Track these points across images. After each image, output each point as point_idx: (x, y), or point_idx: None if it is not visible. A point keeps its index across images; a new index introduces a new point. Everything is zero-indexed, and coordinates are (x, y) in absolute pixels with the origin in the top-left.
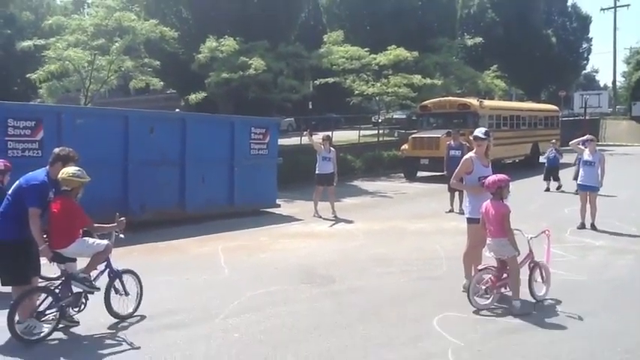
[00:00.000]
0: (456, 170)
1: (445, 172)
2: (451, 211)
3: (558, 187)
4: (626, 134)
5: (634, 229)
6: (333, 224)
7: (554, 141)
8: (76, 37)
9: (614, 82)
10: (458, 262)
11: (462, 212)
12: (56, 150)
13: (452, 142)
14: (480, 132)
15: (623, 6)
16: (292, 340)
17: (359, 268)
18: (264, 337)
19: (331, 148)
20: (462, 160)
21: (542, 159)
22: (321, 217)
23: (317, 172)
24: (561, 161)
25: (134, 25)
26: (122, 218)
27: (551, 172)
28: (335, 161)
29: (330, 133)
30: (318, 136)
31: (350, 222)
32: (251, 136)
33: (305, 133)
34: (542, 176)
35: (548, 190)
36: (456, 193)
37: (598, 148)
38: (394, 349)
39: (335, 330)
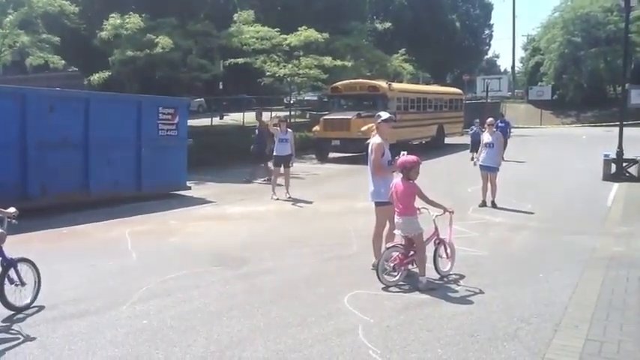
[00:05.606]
0: (374, 157)
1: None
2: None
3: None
4: (523, 116)
5: (529, 206)
6: (293, 204)
7: (477, 120)
8: None
9: (513, 67)
10: (368, 240)
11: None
12: None
13: None
14: (385, 115)
15: None
16: (204, 323)
17: (271, 250)
18: (175, 323)
19: (288, 130)
20: (376, 145)
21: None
22: (278, 199)
23: (274, 153)
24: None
25: None
26: (12, 208)
27: (475, 145)
28: (292, 142)
29: (242, 114)
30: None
31: (309, 202)
32: (159, 117)
33: (275, 121)
34: (447, 157)
35: (472, 160)
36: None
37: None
38: (306, 328)
39: (248, 312)
